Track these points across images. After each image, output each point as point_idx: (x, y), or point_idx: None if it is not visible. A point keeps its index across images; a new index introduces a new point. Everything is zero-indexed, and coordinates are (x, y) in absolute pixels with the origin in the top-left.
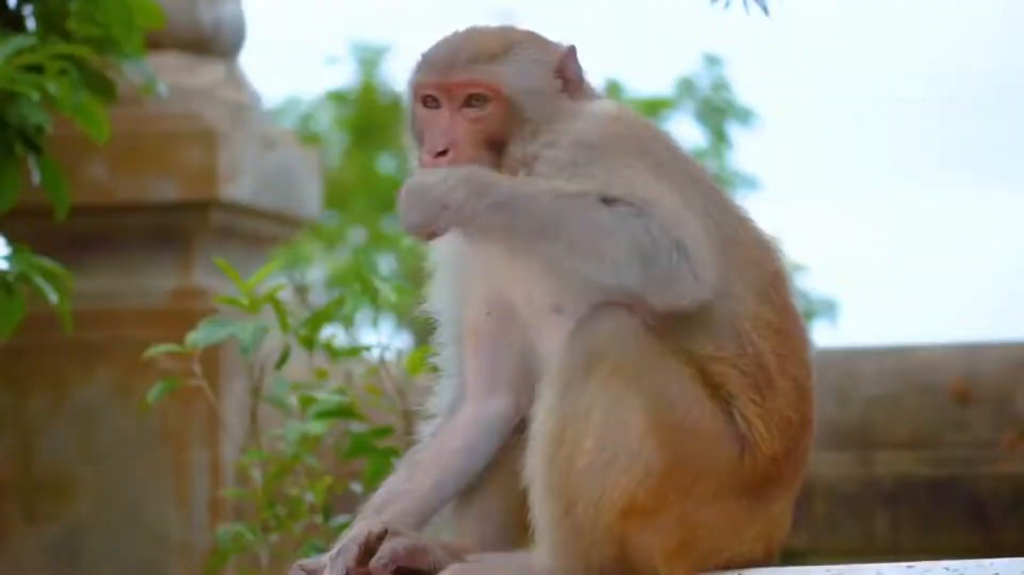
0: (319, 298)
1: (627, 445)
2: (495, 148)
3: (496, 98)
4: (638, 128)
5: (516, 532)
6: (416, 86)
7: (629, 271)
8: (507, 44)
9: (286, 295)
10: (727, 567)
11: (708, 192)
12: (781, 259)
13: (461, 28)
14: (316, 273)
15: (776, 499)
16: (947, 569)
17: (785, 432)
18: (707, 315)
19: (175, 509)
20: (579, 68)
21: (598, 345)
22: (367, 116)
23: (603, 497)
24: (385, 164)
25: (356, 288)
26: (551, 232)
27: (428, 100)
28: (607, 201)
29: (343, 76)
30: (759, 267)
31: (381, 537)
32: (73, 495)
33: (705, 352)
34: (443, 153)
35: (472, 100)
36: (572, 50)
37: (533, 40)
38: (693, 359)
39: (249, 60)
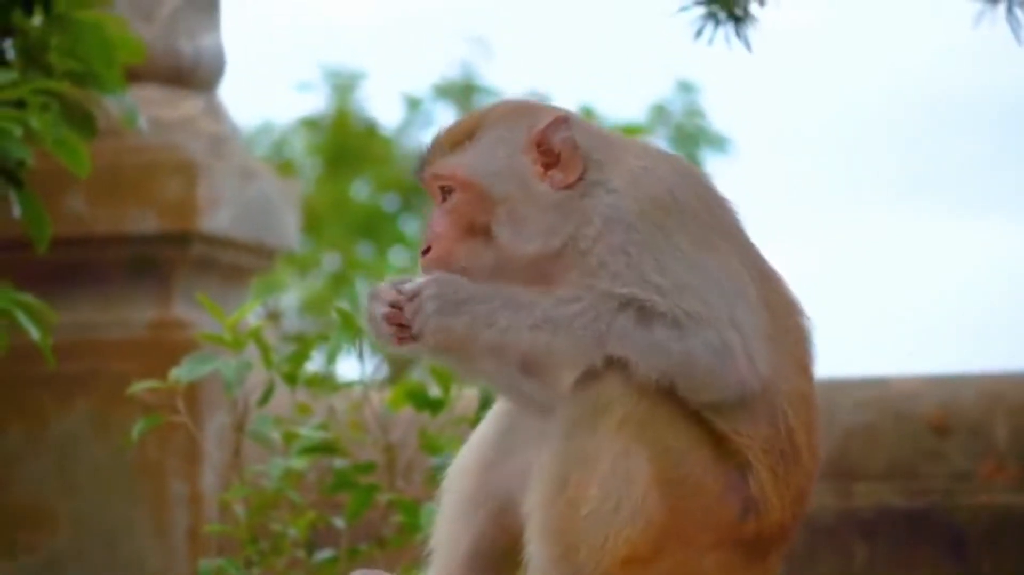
0: (292, 324)
1: (631, 496)
2: (480, 235)
3: (460, 187)
4: (669, 193)
5: (505, 567)
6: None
7: (675, 377)
8: (476, 127)
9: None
10: None
11: (745, 251)
12: (807, 319)
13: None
14: (289, 299)
15: (774, 551)
16: None
17: (797, 502)
18: (750, 398)
19: (154, 541)
20: (568, 139)
21: (608, 396)
22: (340, 142)
23: (606, 545)
24: (359, 190)
25: (337, 322)
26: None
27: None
28: (646, 313)
29: (316, 102)
30: (794, 334)
31: None
32: (51, 527)
33: (734, 429)
34: (427, 250)
35: (445, 192)
36: (556, 121)
37: (511, 115)
38: (712, 427)
39: (224, 88)
